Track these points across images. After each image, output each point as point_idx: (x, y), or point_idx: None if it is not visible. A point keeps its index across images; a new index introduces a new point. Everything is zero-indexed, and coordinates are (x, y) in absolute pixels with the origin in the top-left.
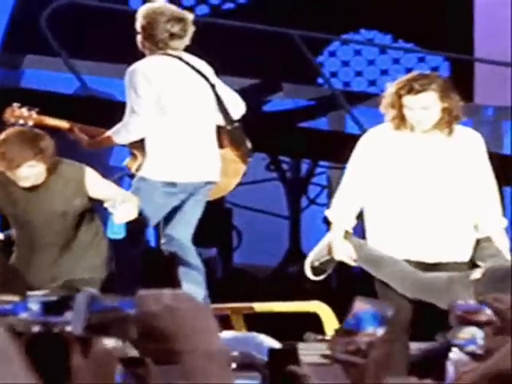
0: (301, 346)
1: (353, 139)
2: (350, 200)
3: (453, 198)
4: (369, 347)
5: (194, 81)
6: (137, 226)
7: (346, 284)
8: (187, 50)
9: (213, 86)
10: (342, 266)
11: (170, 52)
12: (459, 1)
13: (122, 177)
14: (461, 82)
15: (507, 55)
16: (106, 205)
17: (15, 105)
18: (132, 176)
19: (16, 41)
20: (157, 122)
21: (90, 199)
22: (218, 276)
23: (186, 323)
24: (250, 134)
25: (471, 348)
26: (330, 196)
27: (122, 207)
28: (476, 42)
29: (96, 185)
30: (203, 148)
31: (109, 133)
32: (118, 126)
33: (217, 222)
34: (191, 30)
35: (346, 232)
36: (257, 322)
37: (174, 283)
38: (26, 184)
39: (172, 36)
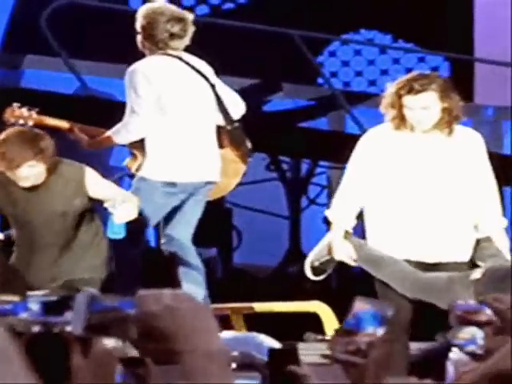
0: (301, 345)
1: (353, 139)
2: (349, 200)
3: (453, 198)
4: (369, 347)
5: (194, 81)
6: (137, 226)
7: (346, 284)
8: (187, 50)
9: (213, 86)
10: (342, 266)
11: (170, 52)
12: (459, 1)
13: (122, 177)
14: (461, 82)
15: (507, 55)
16: (106, 205)
17: (15, 105)
18: (132, 176)
19: (16, 41)
20: (157, 122)
21: (90, 199)
22: (218, 276)
23: (186, 323)
24: (250, 134)
25: (471, 348)
26: (330, 196)
27: (122, 207)
28: (476, 42)
29: (96, 185)
30: (203, 148)
31: (109, 133)
32: (118, 125)
33: (217, 222)
34: (191, 29)
35: (346, 232)
36: (257, 322)
37: (174, 283)
38: (26, 184)
39: (172, 36)
